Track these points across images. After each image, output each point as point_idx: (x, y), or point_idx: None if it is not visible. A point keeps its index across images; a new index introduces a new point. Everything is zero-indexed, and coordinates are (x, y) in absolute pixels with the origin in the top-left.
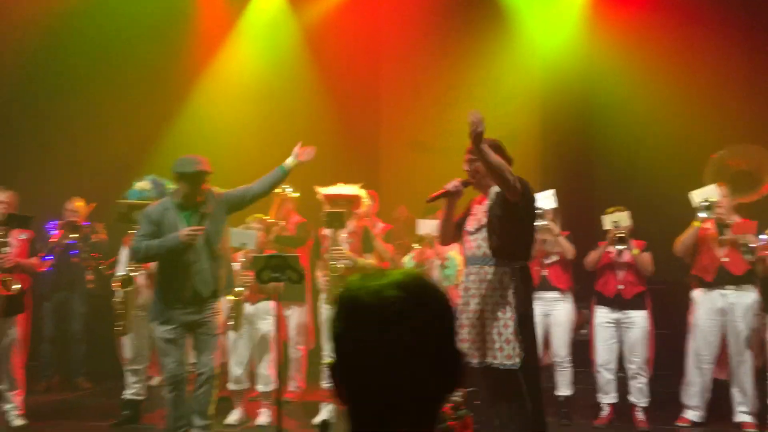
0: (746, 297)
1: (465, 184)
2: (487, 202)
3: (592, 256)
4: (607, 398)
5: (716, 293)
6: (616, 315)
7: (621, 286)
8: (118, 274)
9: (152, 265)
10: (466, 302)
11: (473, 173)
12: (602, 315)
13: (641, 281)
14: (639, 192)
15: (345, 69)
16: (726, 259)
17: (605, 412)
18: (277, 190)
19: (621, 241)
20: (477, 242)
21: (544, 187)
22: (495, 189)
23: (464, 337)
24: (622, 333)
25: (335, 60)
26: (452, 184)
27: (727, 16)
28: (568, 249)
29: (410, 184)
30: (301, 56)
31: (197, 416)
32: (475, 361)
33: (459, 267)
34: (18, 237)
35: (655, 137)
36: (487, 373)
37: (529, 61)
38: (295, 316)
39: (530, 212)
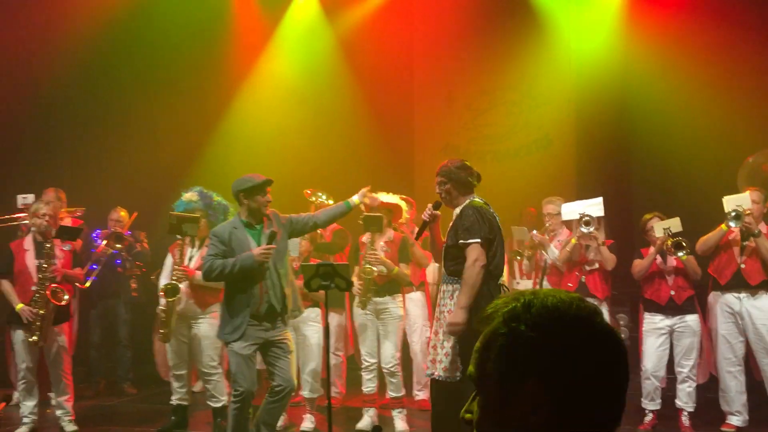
0: (762, 300)
1: (437, 205)
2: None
3: (642, 265)
4: (653, 405)
5: (730, 296)
6: (670, 321)
7: (673, 292)
8: (163, 283)
9: (197, 275)
10: (437, 317)
11: (445, 194)
12: (655, 322)
13: (690, 285)
14: (677, 195)
15: (379, 75)
16: (743, 266)
17: (649, 417)
18: (311, 198)
19: (679, 247)
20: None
21: (579, 192)
22: (457, 210)
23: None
24: (675, 338)
25: (370, 66)
26: (426, 214)
27: (764, 17)
28: (609, 259)
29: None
30: (336, 63)
31: (264, 427)
32: (434, 372)
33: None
34: (63, 247)
35: (693, 140)
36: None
37: (564, 64)
38: (335, 322)
39: (485, 231)
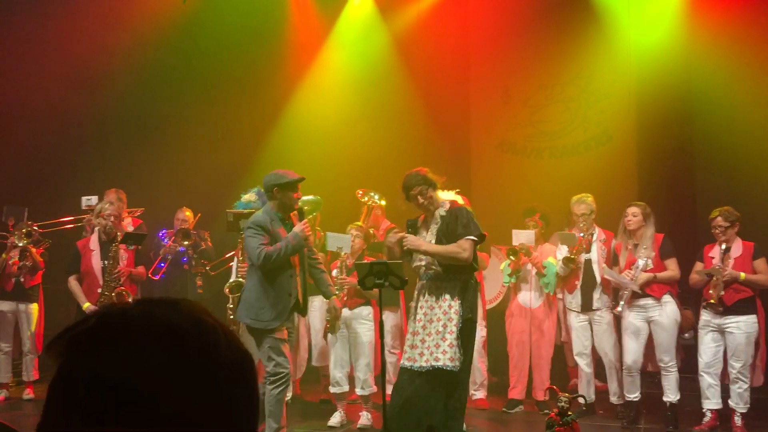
0: None
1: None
2: (433, 226)
3: (697, 281)
4: (709, 404)
5: None
6: (720, 320)
7: (722, 293)
8: (231, 281)
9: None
10: (416, 312)
11: (428, 201)
12: (707, 319)
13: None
14: (742, 192)
15: (435, 72)
16: None
17: (707, 418)
18: (363, 199)
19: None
20: (427, 261)
21: (640, 190)
22: (440, 212)
23: (411, 343)
24: (726, 338)
25: (425, 64)
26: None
27: None
28: (670, 278)
29: (501, 187)
30: (391, 61)
31: (272, 418)
32: (416, 365)
33: (557, 274)
34: (126, 247)
35: (760, 136)
36: (423, 375)
37: (624, 58)
38: (390, 320)
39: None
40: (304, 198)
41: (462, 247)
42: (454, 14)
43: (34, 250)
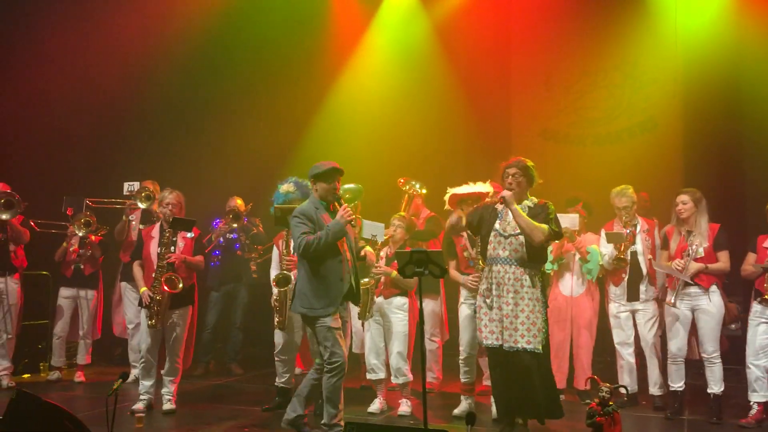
0: None
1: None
2: (517, 211)
3: (750, 272)
4: (756, 396)
5: None
6: None
7: None
8: (273, 273)
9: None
10: (498, 295)
11: (516, 186)
12: (758, 310)
13: None
14: None
15: (476, 60)
16: None
17: (754, 411)
18: (405, 187)
19: None
20: (513, 246)
21: (686, 177)
22: (527, 203)
23: (490, 324)
24: None
25: (466, 51)
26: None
27: None
28: (721, 270)
29: (543, 175)
30: (432, 49)
31: (329, 404)
32: (505, 344)
33: (600, 261)
34: (185, 236)
35: None
36: (508, 355)
37: (670, 42)
38: (429, 308)
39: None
40: (346, 186)
41: (541, 230)
42: (496, 0)
43: (93, 238)
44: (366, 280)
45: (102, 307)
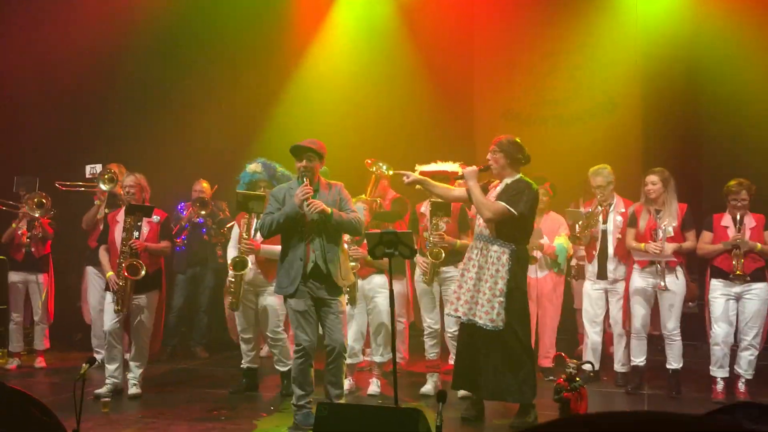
0: None
1: (485, 168)
2: (497, 190)
3: (708, 250)
4: (722, 372)
5: None
6: (738, 289)
7: (743, 260)
8: (231, 254)
9: (263, 248)
10: (466, 269)
11: (493, 162)
12: (722, 287)
13: (761, 257)
14: (748, 161)
15: (439, 40)
16: None
17: (721, 386)
18: (372, 169)
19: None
20: (480, 221)
21: (645, 158)
22: (507, 180)
23: (459, 296)
24: (741, 305)
25: (430, 32)
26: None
27: None
28: (691, 249)
29: None
30: (396, 29)
31: (331, 386)
32: (464, 317)
33: (567, 254)
34: (151, 220)
35: (766, 106)
36: (472, 329)
37: (630, 26)
38: (396, 289)
39: (532, 210)
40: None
41: (490, 208)
42: None
43: (42, 220)
44: (353, 264)
45: (53, 291)
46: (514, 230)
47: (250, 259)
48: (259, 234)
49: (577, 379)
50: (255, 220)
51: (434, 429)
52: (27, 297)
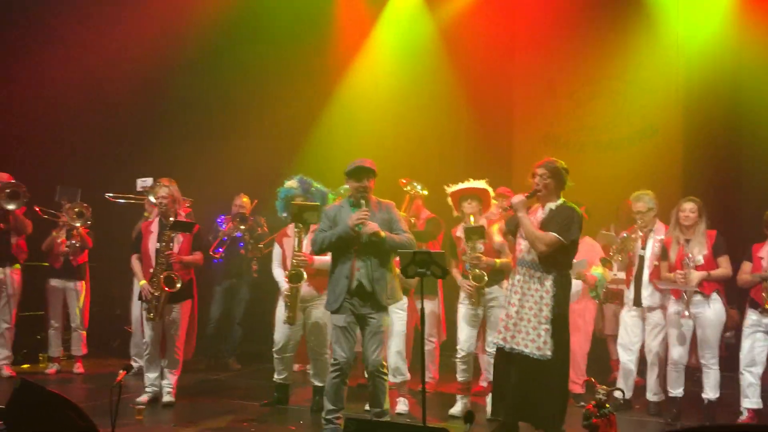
0: None
1: (531, 195)
2: (541, 215)
3: (746, 281)
4: (747, 402)
5: None
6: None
7: None
8: (277, 271)
9: (316, 260)
10: (510, 296)
11: (543, 188)
12: (754, 319)
13: None
14: None
15: (480, 64)
16: None
17: (744, 416)
18: (406, 188)
19: None
20: (527, 247)
21: (685, 185)
22: (551, 205)
23: (507, 325)
24: None
25: (470, 55)
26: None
27: None
28: (723, 276)
29: None
30: (437, 53)
31: (371, 405)
32: (507, 345)
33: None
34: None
35: None
36: (511, 356)
37: (672, 52)
38: (427, 308)
39: (576, 235)
40: (347, 186)
41: (544, 240)
42: (501, 5)
43: (81, 229)
44: None
45: (89, 298)
46: (559, 256)
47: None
48: (307, 246)
49: (607, 405)
50: (305, 234)
51: None
52: (65, 304)
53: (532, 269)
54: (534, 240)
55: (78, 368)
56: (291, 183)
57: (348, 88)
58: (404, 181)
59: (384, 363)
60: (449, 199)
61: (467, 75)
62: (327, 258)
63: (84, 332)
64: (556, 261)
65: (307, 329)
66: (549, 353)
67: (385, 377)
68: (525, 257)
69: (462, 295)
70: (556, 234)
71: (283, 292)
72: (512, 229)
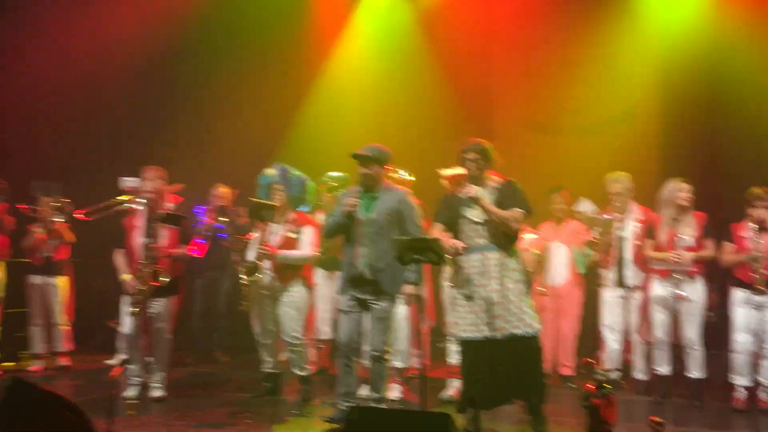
0: None
1: (474, 180)
2: (483, 195)
3: (731, 261)
4: (742, 380)
5: None
6: (760, 298)
7: (765, 271)
8: (250, 257)
9: (279, 253)
10: (480, 284)
11: (479, 170)
12: (744, 297)
13: None
14: None
15: (458, 51)
16: None
17: (741, 393)
18: (392, 174)
19: None
20: (490, 230)
21: (665, 167)
22: (492, 185)
23: (492, 314)
24: (764, 314)
25: (449, 42)
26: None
27: None
28: (711, 258)
29: (523, 165)
30: (415, 39)
31: (371, 390)
32: (491, 334)
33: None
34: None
35: None
36: (503, 343)
37: (650, 35)
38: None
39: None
40: (332, 174)
41: (515, 218)
42: None
43: (61, 224)
44: None
45: (74, 294)
46: (516, 231)
47: (267, 264)
48: (274, 239)
49: (607, 385)
50: (270, 225)
51: None
52: (46, 300)
53: (493, 251)
54: (505, 221)
55: (64, 362)
56: (271, 170)
57: (328, 74)
58: (389, 168)
59: (387, 349)
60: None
61: (447, 60)
62: (292, 252)
63: (69, 328)
64: (513, 237)
65: (278, 320)
66: (538, 326)
67: (385, 362)
68: (479, 242)
69: (445, 275)
70: (519, 209)
71: (241, 280)
72: (447, 220)
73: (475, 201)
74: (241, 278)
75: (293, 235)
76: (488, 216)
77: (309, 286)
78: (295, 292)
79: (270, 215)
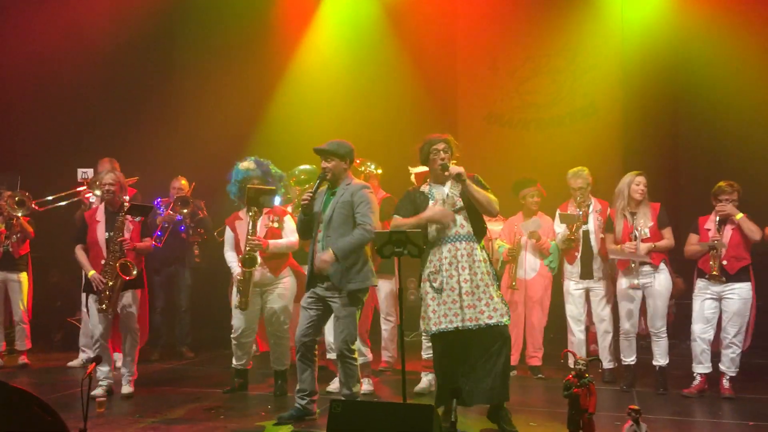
0: None
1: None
2: (451, 187)
3: (695, 250)
4: (701, 368)
5: None
6: (719, 288)
7: (725, 262)
8: (229, 255)
9: (270, 244)
10: (450, 275)
11: (449, 161)
12: (704, 287)
13: (745, 254)
14: (727, 164)
15: (423, 43)
16: None
17: (697, 381)
18: (360, 168)
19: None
20: (459, 222)
21: (626, 161)
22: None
23: (460, 305)
24: (723, 305)
25: (413, 34)
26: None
27: None
28: (668, 247)
29: (488, 158)
30: (381, 32)
31: (342, 387)
32: (462, 325)
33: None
34: (133, 219)
35: (745, 108)
36: (476, 334)
37: (613, 31)
38: (386, 289)
39: None
40: (301, 167)
41: (495, 200)
42: None
43: (21, 219)
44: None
45: (32, 291)
46: (484, 222)
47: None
48: (261, 230)
49: (587, 375)
50: (260, 217)
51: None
52: (6, 297)
53: (462, 242)
54: (489, 203)
55: (23, 360)
56: (247, 164)
57: (295, 68)
58: (358, 161)
59: (351, 347)
60: (412, 177)
61: (411, 54)
62: (282, 242)
63: (27, 326)
64: (481, 228)
65: (266, 314)
66: (507, 315)
67: (352, 361)
68: (447, 233)
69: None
70: (489, 192)
71: (236, 276)
72: (410, 215)
73: (459, 178)
74: (236, 276)
75: (275, 225)
76: (472, 196)
77: (300, 272)
78: (285, 282)
79: (269, 201)
